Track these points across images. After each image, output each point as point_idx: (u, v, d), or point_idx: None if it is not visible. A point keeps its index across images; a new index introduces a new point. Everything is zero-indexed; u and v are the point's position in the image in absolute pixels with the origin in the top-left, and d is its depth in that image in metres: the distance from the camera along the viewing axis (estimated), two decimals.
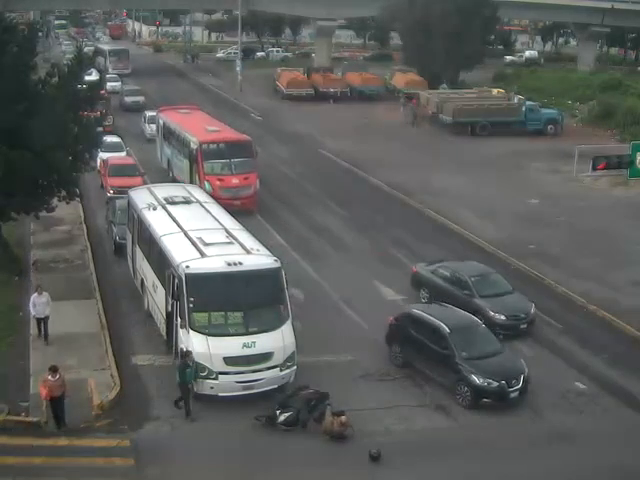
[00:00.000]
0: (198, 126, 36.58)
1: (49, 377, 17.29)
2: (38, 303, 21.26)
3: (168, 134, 38.58)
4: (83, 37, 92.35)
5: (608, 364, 21.22)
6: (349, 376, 20.01)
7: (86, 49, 30.20)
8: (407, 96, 60.94)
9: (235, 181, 33.04)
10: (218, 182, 32.71)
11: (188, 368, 17.88)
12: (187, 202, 24.41)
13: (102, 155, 36.19)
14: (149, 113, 48.69)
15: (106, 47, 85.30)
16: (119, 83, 66.17)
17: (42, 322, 21.28)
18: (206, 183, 32.31)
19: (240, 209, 29.38)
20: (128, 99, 59.61)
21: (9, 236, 27.45)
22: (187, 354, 18.07)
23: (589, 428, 18.27)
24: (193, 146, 33.92)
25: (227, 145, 34.27)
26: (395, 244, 30.28)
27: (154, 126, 43.15)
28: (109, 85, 63.80)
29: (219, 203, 25.96)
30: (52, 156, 24.09)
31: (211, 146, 33.95)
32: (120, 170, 34.70)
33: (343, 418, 17.35)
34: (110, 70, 73.70)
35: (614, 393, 19.73)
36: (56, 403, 17.30)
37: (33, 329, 21.59)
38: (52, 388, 17.15)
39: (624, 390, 19.84)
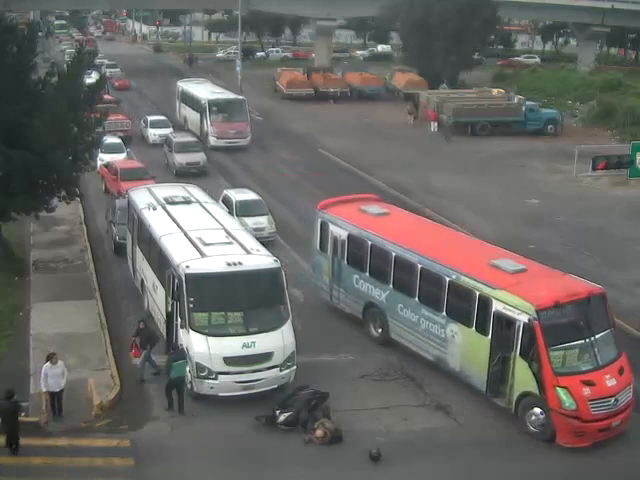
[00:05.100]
0: (470, 257, 20.41)
1: None
2: (52, 374, 17.50)
3: (370, 259, 22.07)
4: (91, 44, 78.97)
5: None
6: (349, 376, 19.99)
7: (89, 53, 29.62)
8: (408, 97, 60.96)
9: (611, 382, 17.54)
10: (587, 390, 17.23)
11: (180, 360, 18.07)
12: (187, 202, 24.36)
13: (103, 157, 36.23)
14: (237, 196, 30.02)
15: (202, 94, 47.26)
16: (169, 129, 44.62)
17: (56, 397, 17.71)
18: (561, 393, 17.10)
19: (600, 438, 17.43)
20: (181, 159, 38.45)
21: (9, 236, 27.49)
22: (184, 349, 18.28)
23: None
24: (515, 316, 17.74)
25: (577, 308, 18.31)
26: None
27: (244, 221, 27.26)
28: (152, 134, 44.71)
29: (580, 436, 17.09)
30: (52, 156, 24.11)
31: (555, 315, 17.80)
32: (131, 174, 34.22)
33: (327, 424, 17.21)
34: (213, 140, 44.16)
35: None
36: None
37: (43, 405, 17.58)
38: None
39: None
